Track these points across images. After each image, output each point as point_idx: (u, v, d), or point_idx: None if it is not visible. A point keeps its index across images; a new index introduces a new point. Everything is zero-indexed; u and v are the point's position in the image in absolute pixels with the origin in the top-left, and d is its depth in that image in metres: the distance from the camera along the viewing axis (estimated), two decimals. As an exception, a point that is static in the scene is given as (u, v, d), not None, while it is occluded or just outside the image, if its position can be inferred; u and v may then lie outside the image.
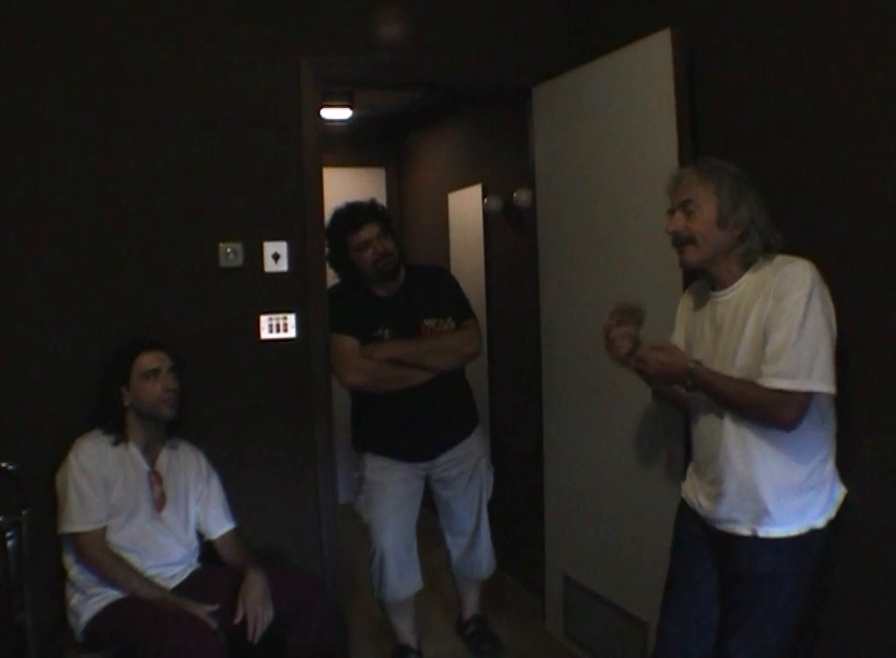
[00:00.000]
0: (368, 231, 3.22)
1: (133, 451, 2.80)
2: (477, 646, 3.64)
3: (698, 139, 2.80)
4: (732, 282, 2.20)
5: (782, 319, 2.02)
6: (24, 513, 2.62)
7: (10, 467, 2.66)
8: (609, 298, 3.09)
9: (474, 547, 3.55)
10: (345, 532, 3.56)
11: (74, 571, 2.70)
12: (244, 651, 2.63)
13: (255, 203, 3.21)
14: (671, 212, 2.23)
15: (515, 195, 4.07)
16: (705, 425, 2.29)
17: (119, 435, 2.78)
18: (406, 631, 3.51)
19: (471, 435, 3.46)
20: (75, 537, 2.65)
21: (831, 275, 2.09)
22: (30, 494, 2.66)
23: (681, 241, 2.21)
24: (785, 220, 2.25)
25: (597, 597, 3.32)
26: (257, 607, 2.63)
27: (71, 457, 2.69)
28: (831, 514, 2.15)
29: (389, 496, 3.33)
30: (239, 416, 3.23)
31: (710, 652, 2.31)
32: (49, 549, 2.75)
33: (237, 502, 3.02)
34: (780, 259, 2.14)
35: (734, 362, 2.14)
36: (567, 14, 3.60)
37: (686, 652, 2.35)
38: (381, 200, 4.98)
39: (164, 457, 2.88)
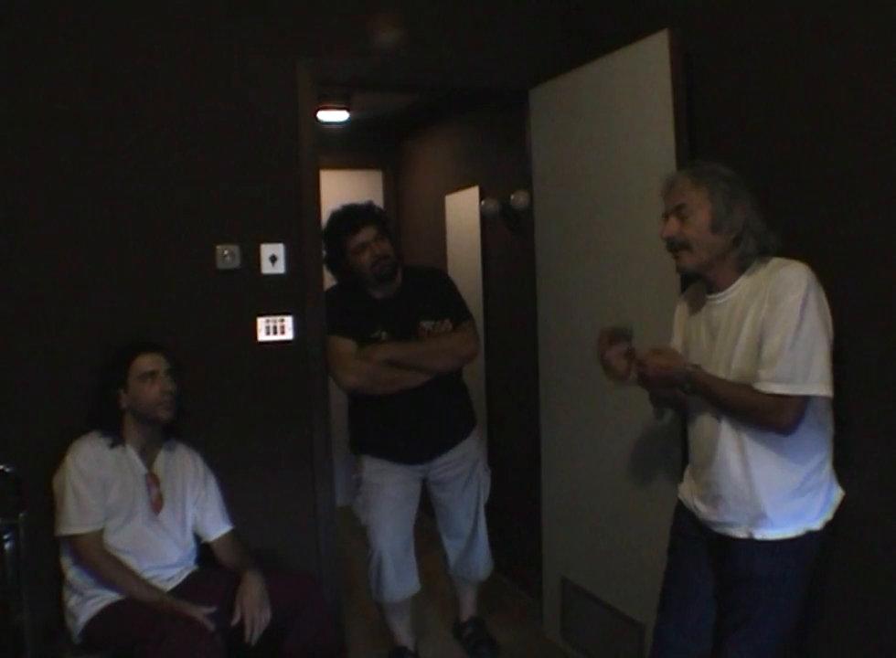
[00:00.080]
0: (366, 234, 3.22)
1: (131, 453, 2.80)
2: (474, 648, 3.64)
3: (695, 140, 2.81)
4: (728, 286, 2.20)
5: (777, 323, 2.02)
6: (21, 515, 2.62)
7: (8, 469, 2.66)
8: (606, 300, 3.12)
9: (471, 549, 3.55)
10: (342, 534, 3.56)
11: (72, 573, 2.69)
12: (242, 652, 2.63)
13: (252, 205, 3.22)
14: (665, 217, 2.24)
15: (512, 197, 4.08)
16: (702, 428, 2.29)
17: (116, 437, 2.77)
18: (403, 632, 3.51)
19: (468, 437, 3.46)
20: (73, 539, 2.65)
21: (829, 276, 2.10)
22: (28, 497, 2.66)
23: (676, 246, 2.21)
24: (783, 221, 2.26)
25: (594, 599, 3.32)
26: (254, 608, 2.63)
27: (69, 459, 2.69)
28: (828, 516, 2.15)
29: (386, 498, 3.33)
30: (236, 418, 3.23)
31: (708, 654, 2.31)
32: (47, 551, 2.75)
33: (234, 504, 3.02)
34: (775, 261, 2.14)
35: (730, 365, 2.14)
36: (564, 15, 3.60)
37: (683, 654, 2.35)
38: (378, 203, 4.99)
39: (161, 459, 2.88)
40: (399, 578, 3.37)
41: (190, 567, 2.88)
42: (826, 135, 2.31)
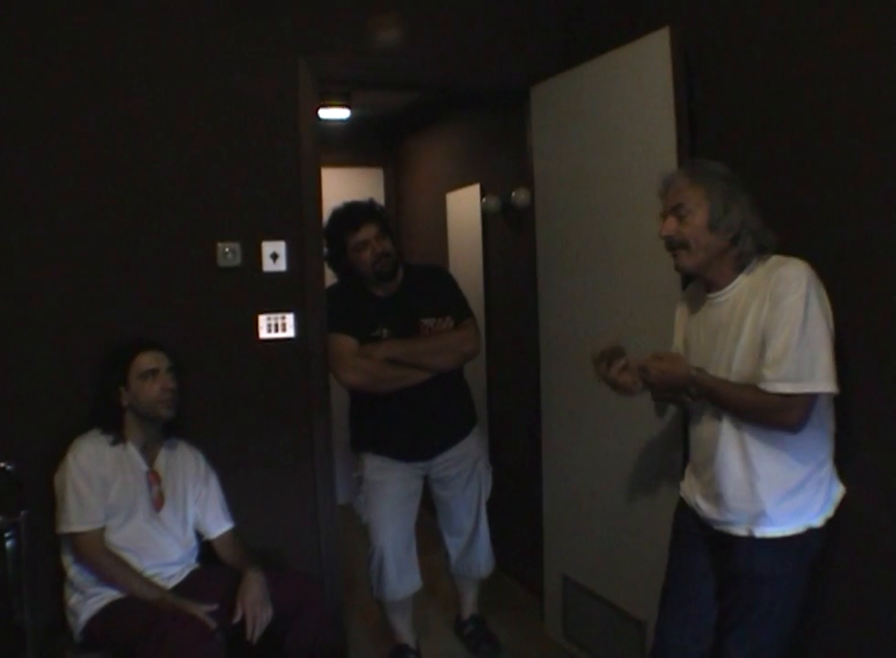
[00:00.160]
0: (367, 231, 3.22)
1: (132, 450, 2.80)
2: (476, 646, 3.64)
3: (696, 138, 2.81)
4: (727, 284, 2.20)
5: (780, 322, 2.01)
6: (22, 513, 2.62)
7: (9, 467, 2.67)
8: (608, 297, 3.12)
9: (472, 547, 3.55)
10: (344, 532, 3.56)
11: (73, 571, 2.69)
12: (243, 651, 2.63)
13: (253, 202, 3.21)
14: (663, 216, 2.24)
15: (513, 194, 4.07)
16: (703, 426, 2.29)
17: (117, 435, 2.77)
18: (405, 630, 3.51)
19: (469, 435, 3.46)
20: (73, 537, 2.65)
21: (829, 274, 2.10)
22: (29, 495, 2.66)
23: (674, 246, 2.21)
24: (783, 219, 2.26)
25: (596, 597, 3.33)
26: (256, 607, 2.63)
27: (70, 457, 2.69)
28: (829, 513, 2.15)
29: (387, 496, 3.33)
30: (237, 416, 3.23)
31: (709, 652, 2.31)
32: (48, 549, 2.75)
33: (235, 502, 3.02)
34: (774, 259, 2.14)
35: (731, 365, 2.14)
36: (565, 13, 3.60)
37: (684, 652, 2.35)
38: (379, 201, 4.98)
39: (162, 457, 2.88)
40: (400, 576, 3.37)
41: (191, 565, 2.88)
42: (827, 133, 2.31)
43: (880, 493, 2.17)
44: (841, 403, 2.15)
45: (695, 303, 2.37)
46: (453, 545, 3.56)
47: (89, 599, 2.65)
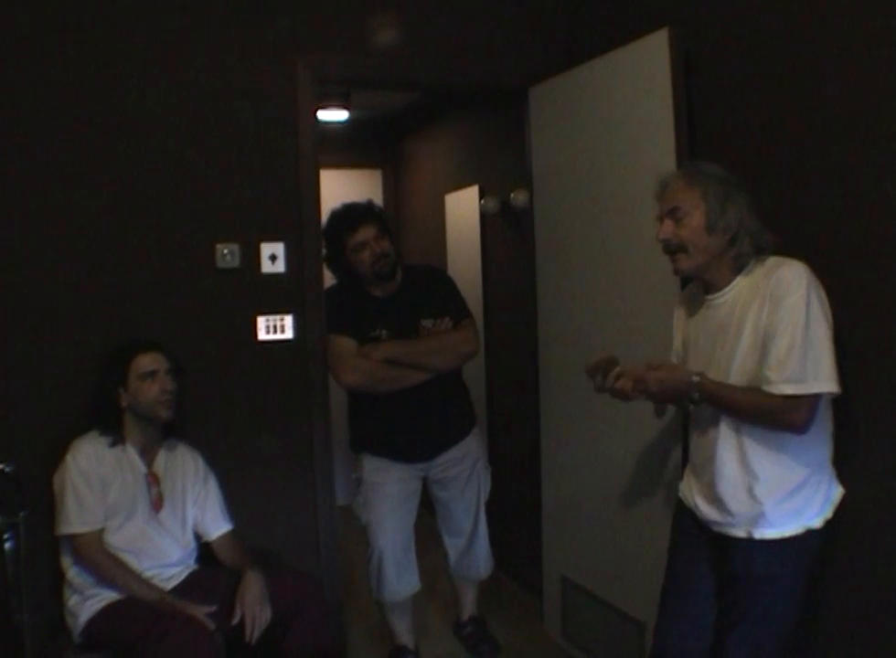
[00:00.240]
0: (366, 232, 3.22)
1: (131, 452, 2.80)
2: (475, 647, 3.64)
3: (695, 139, 2.81)
4: (725, 286, 2.20)
5: (782, 324, 2.01)
6: (21, 514, 2.62)
7: (8, 468, 2.66)
8: (607, 298, 3.12)
9: (471, 548, 3.55)
10: (343, 533, 3.56)
11: (72, 572, 2.69)
12: (242, 652, 2.63)
13: (252, 204, 3.21)
14: (660, 219, 2.24)
15: (512, 195, 4.07)
16: (702, 427, 2.29)
17: (116, 436, 2.77)
18: (404, 631, 3.51)
19: (468, 435, 3.46)
20: (73, 539, 2.65)
21: (829, 275, 2.10)
22: (28, 496, 2.66)
23: (673, 249, 2.21)
24: (783, 219, 2.26)
25: (595, 597, 3.32)
26: (255, 607, 2.63)
27: (69, 458, 2.69)
28: (828, 514, 2.15)
29: (386, 497, 3.33)
30: (236, 417, 3.23)
31: (708, 652, 2.31)
32: (47, 551, 2.75)
33: (234, 503, 3.02)
34: (772, 260, 2.14)
35: (731, 367, 2.14)
36: (564, 13, 3.60)
37: (684, 653, 2.35)
38: (378, 202, 4.99)
39: (161, 458, 2.87)
40: (399, 576, 3.37)
41: (190, 566, 2.88)
42: (826, 133, 2.31)
43: (880, 494, 2.17)
44: (840, 404, 2.15)
45: (693, 305, 2.37)
46: (453, 545, 3.56)
47: (88, 600, 2.65)
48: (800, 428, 2.03)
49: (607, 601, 3.25)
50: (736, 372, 2.12)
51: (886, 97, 2.10)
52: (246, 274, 3.21)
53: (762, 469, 2.12)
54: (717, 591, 2.31)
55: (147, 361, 2.79)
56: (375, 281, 3.28)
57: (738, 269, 2.18)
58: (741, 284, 2.16)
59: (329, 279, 3.37)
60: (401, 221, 6.04)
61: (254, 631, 2.61)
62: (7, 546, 2.61)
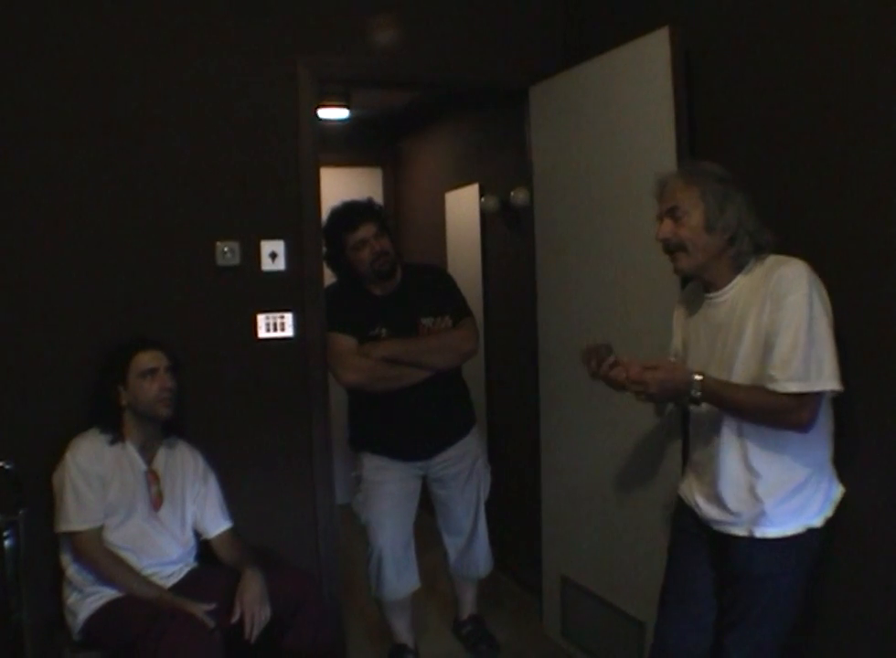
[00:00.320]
0: (365, 230, 3.21)
1: (130, 450, 2.79)
2: (474, 646, 3.64)
3: (695, 138, 2.81)
4: (725, 285, 2.20)
5: (785, 322, 2.01)
6: (21, 512, 2.62)
7: (7, 466, 2.66)
8: (606, 296, 3.12)
9: (471, 547, 3.55)
10: (342, 531, 3.56)
11: (71, 570, 2.69)
12: (241, 650, 2.63)
13: (252, 202, 3.21)
14: (659, 218, 2.24)
15: (512, 194, 4.07)
16: (702, 426, 2.29)
17: (116, 434, 2.77)
18: (403, 630, 3.50)
19: (468, 434, 3.46)
20: (72, 536, 2.65)
21: (829, 273, 2.10)
22: (27, 493, 2.65)
23: (672, 248, 2.21)
24: (783, 219, 2.26)
25: (594, 597, 3.32)
26: (254, 606, 2.62)
27: (68, 456, 2.69)
28: (828, 513, 2.15)
29: (386, 496, 3.33)
30: (236, 415, 3.23)
31: (708, 652, 2.31)
32: (47, 548, 2.76)
33: (234, 501, 3.02)
34: (772, 259, 2.14)
35: (732, 366, 2.14)
36: (564, 12, 3.60)
37: (684, 652, 2.35)
38: (378, 200, 4.99)
39: (161, 456, 2.87)
40: (399, 575, 3.37)
41: (190, 564, 2.88)
42: (827, 132, 2.31)
43: (880, 494, 2.17)
44: (841, 403, 2.15)
45: (693, 304, 2.37)
46: (452, 544, 3.56)
47: (87, 598, 2.65)
48: (804, 426, 2.03)
49: (607, 601, 3.25)
50: (739, 371, 2.12)
51: (886, 96, 2.10)
52: (246, 272, 3.21)
53: (763, 468, 2.12)
54: (717, 591, 2.31)
55: (147, 359, 2.79)
56: (375, 279, 3.28)
57: (738, 268, 2.18)
58: (741, 283, 2.16)
59: (329, 277, 3.37)
60: (401, 220, 6.04)
61: (253, 629, 2.61)
62: (7, 543, 2.61)
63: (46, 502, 2.72)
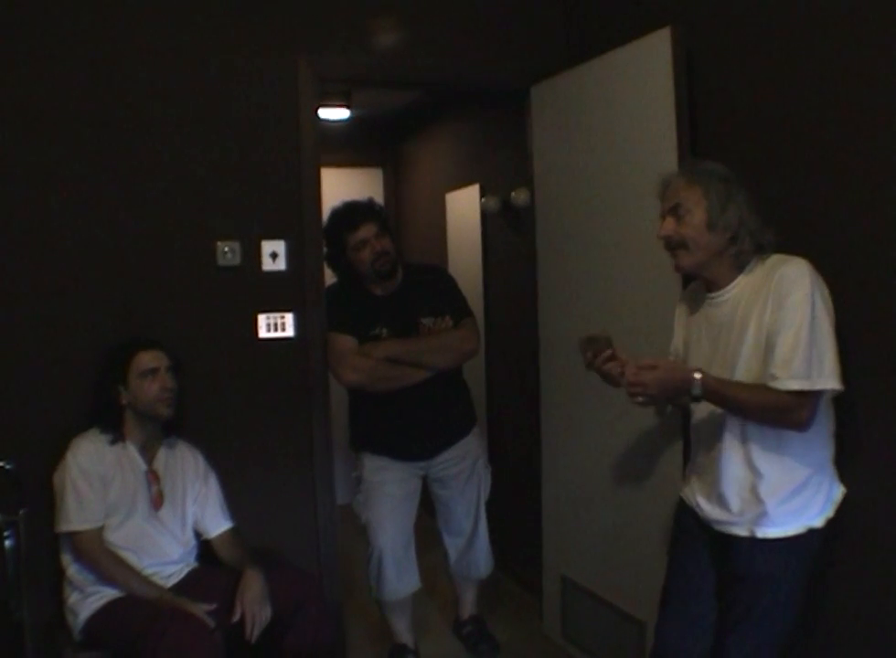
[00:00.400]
0: (366, 230, 3.21)
1: (131, 449, 2.79)
2: (475, 646, 3.64)
3: (696, 137, 2.80)
4: (727, 284, 2.20)
5: (787, 321, 2.01)
6: (21, 512, 2.62)
7: (8, 466, 2.67)
8: (607, 297, 3.11)
9: (471, 547, 3.54)
10: (343, 532, 3.55)
11: (72, 570, 2.69)
12: (242, 650, 2.63)
13: (253, 202, 3.21)
14: (662, 217, 2.24)
15: (513, 194, 4.07)
16: (704, 426, 2.29)
17: (116, 434, 2.77)
18: (403, 630, 3.50)
19: (469, 434, 3.46)
20: (73, 536, 2.65)
21: (830, 273, 2.10)
22: (28, 493, 2.66)
23: (673, 246, 2.22)
24: (784, 218, 2.26)
25: (595, 597, 3.32)
26: (255, 606, 2.62)
27: (69, 456, 2.69)
28: (829, 513, 2.15)
29: (386, 496, 3.33)
30: (236, 415, 3.23)
31: (709, 652, 2.31)
32: (47, 548, 2.75)
33: (234, 501, 3.02)
34: (774, 258, 2.14)
35: (735, 365, 2.13)
36: (565, 12, 3.60)
37: (684, 652, 2.34)
38: (379, 201, 4.99)
39: (161, 456, 2.87)
40: (399, 575, 3.36)
41: (190, 564, 2.88)
42: (828, 132, 2.31)
43: (881, 494, 2.17)
44: (842, 403, 2.15)
45: (695, 303, 2.37)
46: (452, 545, 3.56)
47: (88, 598, 2.65)
48: (803, 425, 2.03)
49: (607, 601, 3.25)
50: (741, 371, 2.12)
51: (888, 94, 2.10)
52: (247, 272, 3.21)
53: (765, 468, 2.12)
54: (717, 591, 2.31)
55: (148, 359, 2.79)
56: (375, 279, 3.27)
57: (739, 267, 2.18)
58: (742, 283, 2.16)
59: (330, 277, 3.37)
60: (402, 220, 6.04)
61: (254, 629, 2.61)
62: (7, 543, 2.62)
63: (46, 502, 2.72)
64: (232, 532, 2.95)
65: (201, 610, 2.55)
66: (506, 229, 4.41)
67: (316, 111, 3.35)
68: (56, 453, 2.73)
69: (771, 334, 2.04)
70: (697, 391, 2.10)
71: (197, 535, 2.93)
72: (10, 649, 2.68)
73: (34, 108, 2.93)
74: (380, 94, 4.97)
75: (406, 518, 3.39)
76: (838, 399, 2.12)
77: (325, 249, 3.32)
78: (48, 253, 2.96)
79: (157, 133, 3.08)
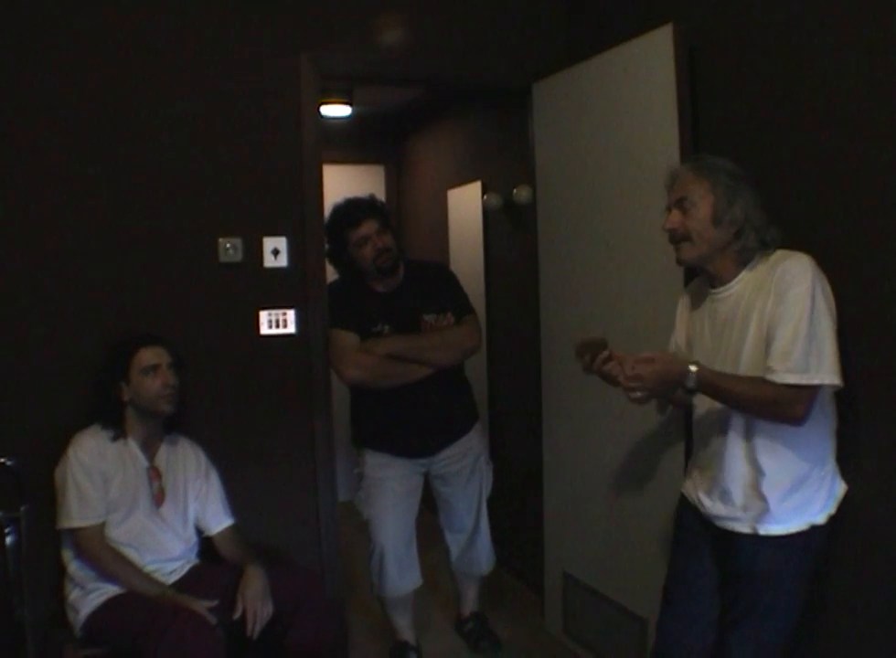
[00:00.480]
0: (368, 227, 3.21)
1: (132, 446, 2.79)
2: (476, 643, 3.64)
3: (699, 134, 2.80)
4: (730, 279, 2.20)
5: (787, 314, 2.01)
6: (23, 508, 2.62)
7: (9, 462, 2.66)
8: (610, 294, 3.11)
9: (473, 544, 3.55)
10: (344, 528, 3.56)
11: (73, 567, 2.69)
12: (243, 646, 2.63)
13: (255, 198, 3.21)
14: (668, 209, 2.24)
15: (515, 191, 4.07)
16: (706, 422, 2.29)
17: (118, 430, 2.77)
18: (405, 627, 3.51)
19: (470, 431, 3.46)
20: (74, 533, 2.65)
21: (833, 268, 2.09)
22: (29, 490, 2.65)
23: (677, 238, 2.22)
24: (786, 214, 2.25)
25: (597, 594, 3.32)
26: (256, 602, 2.62)
27: (70, 452, 2.69)
28: (831, 510, 2.15)
29: (388, 492, 3.33)
30: (238, 412, 3.23)
31: (711, 649, 2.31)
32: (48, 545, 2.75)
33: (236, 498, 3.02)
34: (778, 253, 2.14)
35: (738, 361, 2.13)
36: (568, 9, 3.60)
37: (686, 649, 2.34)
38: (381, 198, 5.00)
39: (163, 452, 2.87)
40: (401, 572, 3.37)
41: (192, 560, 2.88)
42: (830, 129, 2.30)
43: (883, 491, 2.16)
44: (843, 400, 2.15)
45: (698, 299, 2.37)
46: (454, 542, 3.56)
47: (89, 595, 2.65)
48: (799, 420, 2.03)
49: (609, 598, 3.25)
50: (744, 366, 2.11)
51: (889, 93, 2.10)
52: (248, 268, 3.21)
53: (767, 464, 2.12)
54: (719, 588, 2.31)
55: (149, 355, 2.79)
56: (377, 276, 3.27)
57: (742, 263, 2.18)
58: (746, 278, 2.16)
59: (331, 274, 3.37)
60: (404, 217, 6.04)
61: (256, 625, 2.61)
62: (8, 540, 2.61)
63: (47, 498, 2.72)
64: (233, 528, 2.95)
65: (203, 606, 2.54)
66: (508, 227, 4.41)
67: (318, 108, 3.34)
68: (57, 450, 2.73)
69: (771, 326, 2.04)
70: (691, 384, 2.10)
71: (199, 531, 2.93)
72: (11, 645, 2.67)
73: (37, 105, 2.93)
74: (382, 91, 4.97)
75: (408, 515, 3.39)
76: (840, 395, 2.11)
77: (326, 246, 3.32)
78: (50, 249, 2.96)
79: (159, 130, 3.08)
